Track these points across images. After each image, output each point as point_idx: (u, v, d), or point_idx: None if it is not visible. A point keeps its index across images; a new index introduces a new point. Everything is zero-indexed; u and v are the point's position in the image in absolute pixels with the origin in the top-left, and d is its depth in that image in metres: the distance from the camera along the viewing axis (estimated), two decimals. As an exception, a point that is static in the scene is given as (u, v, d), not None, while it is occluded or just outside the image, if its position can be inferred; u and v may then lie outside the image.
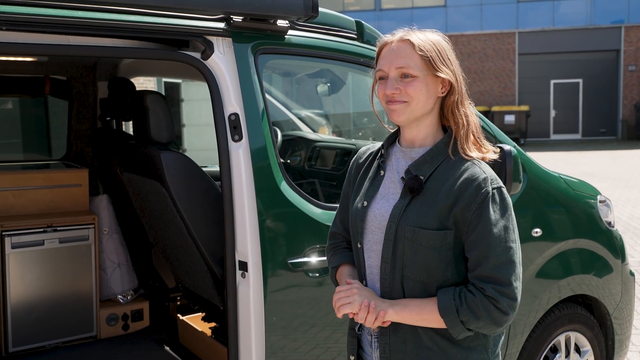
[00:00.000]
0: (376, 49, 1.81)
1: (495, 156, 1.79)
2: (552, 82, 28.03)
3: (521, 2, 27.66)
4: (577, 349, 3.51)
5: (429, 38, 1.74)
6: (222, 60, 2.49)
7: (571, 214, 3.38)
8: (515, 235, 1.68)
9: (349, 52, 2.91)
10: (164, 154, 2.78)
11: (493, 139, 3.14)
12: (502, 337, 1.86)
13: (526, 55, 27.80)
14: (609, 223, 3.56)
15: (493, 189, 1.66)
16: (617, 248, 3.56)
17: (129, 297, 3.82)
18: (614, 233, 3.58)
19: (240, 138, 2.46)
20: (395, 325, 1.76)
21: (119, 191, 3.67)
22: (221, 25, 2.53)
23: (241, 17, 2.53)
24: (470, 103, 1.80)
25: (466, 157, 1.72)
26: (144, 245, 3.84)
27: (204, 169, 4.10)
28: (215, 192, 2.84)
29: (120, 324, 3.74)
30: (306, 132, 5.07)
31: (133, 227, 3.83)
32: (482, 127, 3.10)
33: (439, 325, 1.68)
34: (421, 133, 1.77)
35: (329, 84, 4.28)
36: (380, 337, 1.79)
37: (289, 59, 3.10)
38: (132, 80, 3.75)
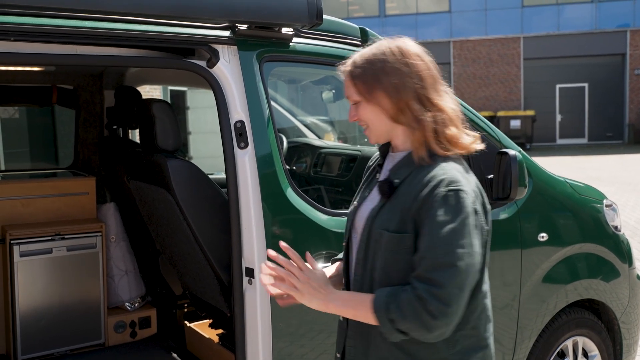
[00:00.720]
0: None
1: (481, 146, 1.77)
2: (558, 86, 27.97)
3: (526, 6, 27.64)
4: (585, 354, 3.50)
5: (364, 57, 1.75)
6: (227, 68, 2.51)
7: (577, 219, 3.38)
8: (468, 240, 1.60)
9: (354, 58, 2.92)
10: (170, 162, 2.80)
11: (498, 144, 3.14)
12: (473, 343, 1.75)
13: (531, 60, 27.76)
14: (616, 227, 3.55)
15: (449, 190, 1.62)
16: (624, 252, 3.55)
17: (136, 305, 3.84)
18: (621, 237, 3.57)
19: (246, 145, 2.48)
20: (358, 327, 1.77)
21: (126, 199, 3.69)
22: (226, 33, 2.55)
23: (246, 25, 2.54)
24: (444, 93, 1.77)
25: (442, 156, 1.71)
26: (151, 253, 3.85)
27: (210, 176, 4.12)
28: (221, 199, 2.85)
29: (128, 331, 3.75)
30: (312, 139, 5.08)
31: (140, 235, 3.85)
32: (487, 132, 3.12)
33: (374, 322, 1.64)
34: (398, 140, 1.79)
35: (333, 91, 4.29)
36: (347, 340, 1.83)
37: (294, 66, 3.12)
38: (139, 88, 3.77)
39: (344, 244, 1.90)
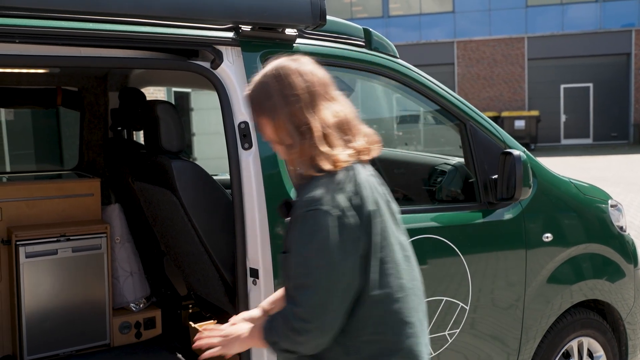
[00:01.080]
0: None
1: (345, 155, 1.72)
2: (562, 86, 27.91)
3: (530, 7, 27.60)
4: (590, 355, 3.49)
5: (254, 83, 1.80)
6: (231, 69, 2.51)
7: (582, 219, 3.37)
8: (327, 259, 1.63)
9: (357, 59, 2.92)
10: (174, 163, 2.80)
11: (502, 144, 3.14)
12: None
13: (536, 60, 27.71)
14: (621, 227, 3.54)
15: (307, 211, 1.65)
16: (629, 253, 3.55)
17: (141, 305, 3.84)
18: (626, 237, 3.57)
19: (250, 146, 2.48)
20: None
21: (130, 200, 3.70)
22: (230, 34, 2.55)
23: (250, 27, 2.55)
24: (323, 108, 1.74)
25: (317, 175, 1.71)
26: (156, 254, 3.86)
27: (214, 177, 4.12)
28: (226, 199, 2.86)
29: (133, 332, 3.76)
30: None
31: (145, 236, 3.86)
32: (491, 133, 3.12)
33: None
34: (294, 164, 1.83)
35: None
36: None
37: (298, 67, 3.12)
38: (143, 90, 3.78)
39: None
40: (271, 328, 1.72)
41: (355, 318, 1.71)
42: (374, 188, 1.77)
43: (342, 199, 1.67)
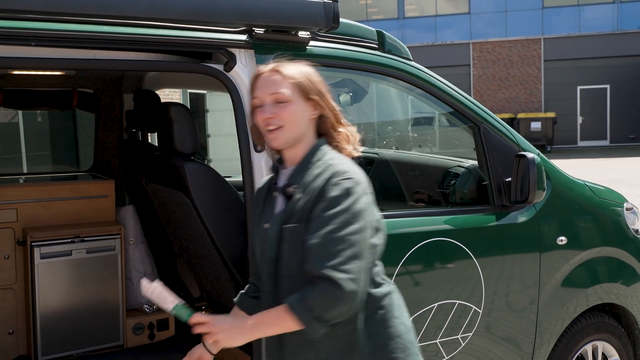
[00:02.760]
0: (251, 79, 1.99)
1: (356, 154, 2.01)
2: (579, 88, 27.69)
3: (546, 8, 27.42)
4: (605, 359, 3.46)
5: (299, 68, 1.96)
6: (244, 71, 2.52)
7: (597, 222, 3.34)
8: (357, 224, 1.78)
9: (371, 62, 2.92)
10: (187, 165, 2.81)
11: (516, 147, 3.12)
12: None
13: (552, 62, 27.52)
14: (637, 231, 3.51)
15: (341, 179, 1.81)
16: (645, 256, 3.51)
17: (154, 307, 3.86)
18: (642, 241, 3.53)
19: (263, 148, 2.48)
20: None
21: (144, 202, 3.72)
22: (243, 37, 2.56)
23: (263, 29, 2.55)
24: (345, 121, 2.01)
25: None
26: (170, 255, 3.88)
27: (228, 179, 4.12)
28: (238, 202, 2.86)
29: (147, 333, 3.77)
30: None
31: (159, 237, 3.87)
32: (505, 135, 3.11)
33: (292, 326, 1.79)
34: (300, 152, 1.95)
35: (351, 94, 4.29)
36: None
37: (311, 70, 3.12)
38: (158, 92, 3.80)
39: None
40: (304, 297, 1.75)
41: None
42: None
43: (361, 172, 1.89)
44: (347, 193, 1.79)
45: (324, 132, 1.98)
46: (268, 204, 2.02)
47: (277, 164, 2.03)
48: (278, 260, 1.89)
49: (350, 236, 1.75)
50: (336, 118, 1.97)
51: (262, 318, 1.85)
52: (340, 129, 1.98)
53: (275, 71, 1.93)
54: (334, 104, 1.97)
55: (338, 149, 1.97)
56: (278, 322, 1.80)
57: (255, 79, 1.96)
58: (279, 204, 1.96)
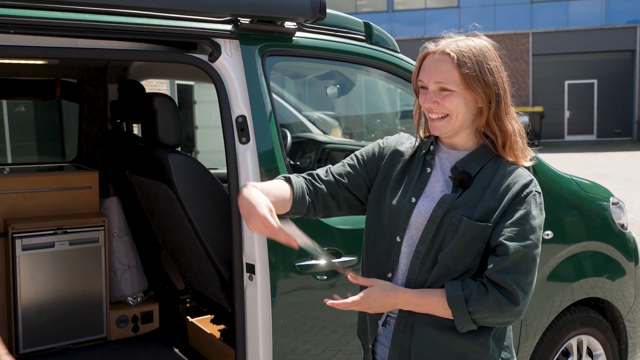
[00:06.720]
0: (419, 55, 1.84)
1: (530, 163, 1.87)
2: (567, 82, 27.82)
3: (535, 2, 27.49)
4: (590, 353, 3.47)
5: (471, 49, 1.76)
6: (229, 62, 2.49)
7: (583, 216, 3.34)
8: (541, 236, 1.77)
9: (357, 53, 2.89)
10: (171, 157, 2.78)
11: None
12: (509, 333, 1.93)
13: (540, 56, 27.61)
14: (622, 225, 3.52)
15: (536, 191, 1.78)
16: (630, 251, 3.52)
17: (138, 299, 3.83)
18: (627, 235, 3.54)
19: (248, 140, 2.46)
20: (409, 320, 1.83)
21: (129, 193, 3.68)
22: (228, 27, 2.52)
23: (248, 19, 2.52)
24: (514, 110, 1.87)
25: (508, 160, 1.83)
26: (154, 248, 3.85)
27: (214, 171, 4.10)
28: (223, 194, 2.84)
29: (130, 325, 3.75)
30: (316, 134, 5.06)
31: (143, 229, 3.84)
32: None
33: (443, 314, 1.75)
34: (461, 140, 1.84)
35: (338, 86, 4.27)
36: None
37: (297, 61, 3.10)
38: (144, 82, 3.76)
39: (397, 239, 1.85)
40: (470, 301, 1.71)
41: None
42: None
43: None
44: (542, 210, 1.79)
45: (489, 122, 1.82)
46: (413, 175, 1.89)
47: (433, 139, 1.91)
48: (432, 242, 1.78)
49: (538, 257, 1.75)
50: (502, 110, 1.82)
51: (415, 299, 1.77)
52: (505, 120, 1.82)
53: (445, 54, 1.75)
54: (507, 94, 1.84)
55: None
56: (433, 309, 1.75)
57: (423, 59, 1.81)
58: (440, 184, 1.84)
